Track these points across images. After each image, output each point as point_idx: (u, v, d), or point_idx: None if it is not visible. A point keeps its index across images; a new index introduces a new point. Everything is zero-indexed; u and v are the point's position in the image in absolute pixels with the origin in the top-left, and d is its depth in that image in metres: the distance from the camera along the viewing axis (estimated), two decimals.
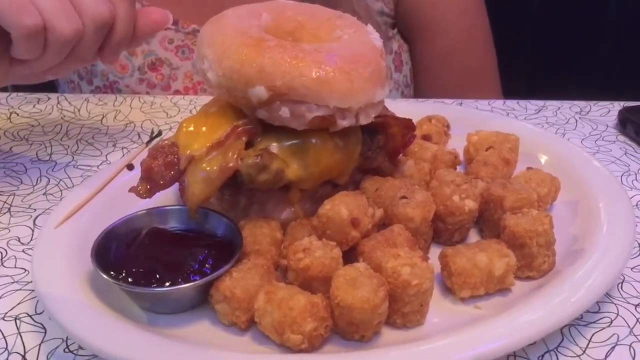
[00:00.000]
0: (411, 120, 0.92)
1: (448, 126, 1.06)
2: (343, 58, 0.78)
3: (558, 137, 1.12)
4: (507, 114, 1.23)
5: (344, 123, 0.80)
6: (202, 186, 0.78)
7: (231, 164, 0.79)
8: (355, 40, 0.83)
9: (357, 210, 0.77)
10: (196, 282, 0.73)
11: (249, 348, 0.71)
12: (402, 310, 0.72)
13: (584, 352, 0.72)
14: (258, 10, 0.86)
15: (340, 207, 0.76)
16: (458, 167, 0.98)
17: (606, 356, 0.72)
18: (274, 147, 0.80)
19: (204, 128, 0.80)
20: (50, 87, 1.50)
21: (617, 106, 1.24)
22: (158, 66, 1.36)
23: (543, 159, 1.01)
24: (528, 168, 0.93)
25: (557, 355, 0.72)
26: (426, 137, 1.01)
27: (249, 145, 0.81)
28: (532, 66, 1.98)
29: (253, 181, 0.80)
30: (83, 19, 0.87)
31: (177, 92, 1.37)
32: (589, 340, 0.74)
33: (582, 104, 1.27)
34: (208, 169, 0.78)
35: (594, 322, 0.76)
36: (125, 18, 0.91)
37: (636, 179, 1.04)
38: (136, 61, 1.37)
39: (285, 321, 0.68)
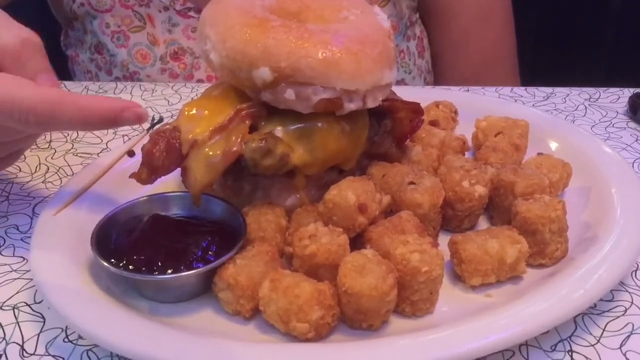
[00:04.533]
0: (419, 104, 0.90)
1: (456, 112, 1.04)
2: (350, 39, 0.76)
3: (568, 123, 1.10)
4: (515, 101, 1.21)
5: (350, 106, 0.78)
6: (205, 171, 0.76)
7: (235, 148, 0.77)
8: (362, 21, 0.81)
9: (365, 195, 0.75)
10: (199, 269, 0.72)
11: (254, 337, 0.70)
12: (411, 298, 0.70)
13: (598, 341, 0.70)
14: None
15: (347, 192, 0.74)
16: (466, 153, 0.96)
17: (621, 345, 0.70)
18: (279, 131, 0.78)
19: (206, 112, 0.79)
20: (65, 77, 1.47)
21: (627, 92, 1.22)
22: (180, 55, 1.33)
23: (553, 145, 0.99)
24: (538, 154, 0.92)
25: (570, 345, 0.70)
26: (434, 123, 0.99)
27: (253, 129, 0.79)
28: (538, 52, 1.97)
29: (257, 166, 0.78)
30: None
31: (199, 81, 1.35)
32: (603, 330, 0.72)
33: (591, 90, 1.25)
34: (211, 153, 0.77)
35: (607, 311, 0.74)
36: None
37: None
38: (158, 51, 1.34)
39: (291, 309, 0.66)
